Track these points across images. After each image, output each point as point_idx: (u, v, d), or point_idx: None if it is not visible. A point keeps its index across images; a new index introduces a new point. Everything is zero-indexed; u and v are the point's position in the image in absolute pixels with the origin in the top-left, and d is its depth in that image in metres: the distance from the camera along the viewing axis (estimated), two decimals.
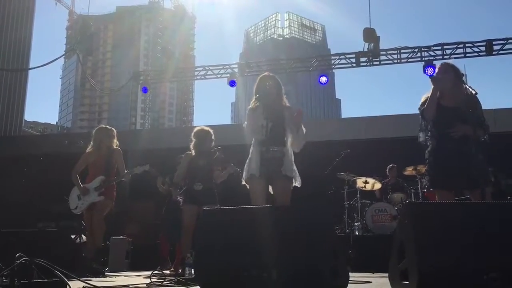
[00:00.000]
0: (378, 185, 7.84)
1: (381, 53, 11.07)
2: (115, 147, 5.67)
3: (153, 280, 3.91)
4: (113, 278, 4.86)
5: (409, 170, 7.55)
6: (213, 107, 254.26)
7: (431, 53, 10.85)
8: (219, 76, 12.12)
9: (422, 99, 3.77)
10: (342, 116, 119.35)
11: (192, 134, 5.31)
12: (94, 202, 5.46)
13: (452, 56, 10.70)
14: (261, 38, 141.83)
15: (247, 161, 3.86)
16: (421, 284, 2.28)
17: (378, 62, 11.31)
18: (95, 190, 5.46)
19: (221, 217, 2.87)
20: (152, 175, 6.11)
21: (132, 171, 5.54)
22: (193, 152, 5.24)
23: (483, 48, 10.71)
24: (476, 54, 10.77)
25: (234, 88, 11.98)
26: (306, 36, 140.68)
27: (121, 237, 7.84)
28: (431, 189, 3.87)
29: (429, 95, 3.68)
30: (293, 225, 2.65)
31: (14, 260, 2.43)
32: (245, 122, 3.87)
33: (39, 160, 8.71)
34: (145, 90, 12.44)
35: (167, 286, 3.64)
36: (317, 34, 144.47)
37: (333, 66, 12.38)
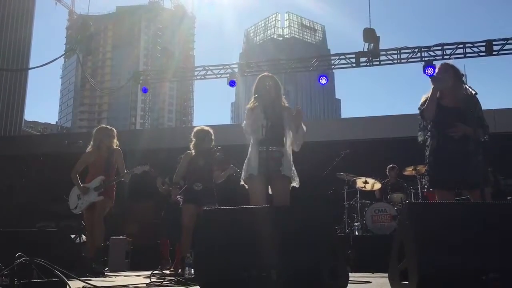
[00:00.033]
0: (378, 185, 7.83)
1: (381, 53, 11.05)
2: (115, 147, 5.67)
3: (152, 280, 3.91)
4: (113, 278, 4.86)
5: (409, 170, 7.55)
6: (213, 107, 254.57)
7: (431, 53, 10.84)
8: (219, 76, 12.11)
9: (422, 99, 3.77)
10: (342, 116, 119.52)
11: (192, 134, 5.31)
12: (94, 202, 5.46)
13: (452, 56, 10.69)
14: (261, 38, 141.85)
15: (245, 161, 3.86)
16: (421, 284, 2.28)
17: (378, 62, 11.29)
18: (95, 190, 5.46)
19: (221, 217, 2.87)
20: (151, 175, 6.11)
21: (132, 171, 5.54)
22: (193, 152, 5.24)
23: (483, 48, 10.70)
24: (476, 54, 10.76)
25: (234, 88, 11.96)
26: (306, 36, 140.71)
27: (121, 237, 7.84)
28: (431, 189, 3.87)
29: (429, 95, 3.68)
30: (293, 225, 2.65)
31: (14, 260, 2.43)
32: (244, 121, 3.87)
33: (39, 160, 8.71)
34: (145, 90, 12.44)
35: (167, 286, 3.64)
36: (317, 34, 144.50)
37: (333, 66, 12.36)
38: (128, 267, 7.43)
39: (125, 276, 5.45)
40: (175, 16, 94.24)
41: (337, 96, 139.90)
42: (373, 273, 5.62)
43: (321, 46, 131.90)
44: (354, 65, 11.40)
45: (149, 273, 4.39)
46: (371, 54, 10.98)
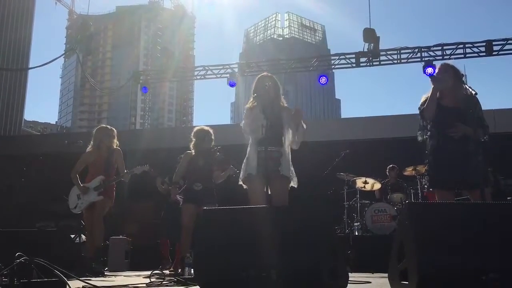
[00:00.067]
0: (377, 185, 7.83)
1: (381, 53, 11.05)
2: (115, 147, 5.67)
3: (152, 280, 3.91)
4: (112, 278, 4.86)
5: (408, 171, 7.55)
6: (212, 107, 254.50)
7: (431, 53, 10.84)
8: (219, 76, 12.11)
9: (422, 99, 3.77)
10: (342, 116, 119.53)
11: (192, 133, 5.31)
12: (93, 201, 5.46)
13: (452, 56, 10.69)
14: (261, 38, 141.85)
15: (244, 160, 3.86)
16: (420, 284, 2.28)
17: (378, 63, 11.29)
18: (95, 189, 5.46)
19: (220, 217, 2.87)
20: (151, 175, 6.11)
21: (132, 171, 5.54)
22: (192, 152, 5.24)
23: (483, 49, 10.70)
24: (476, 54, 10.77)
25: (234, 88, 11.97)
26: (306, 36, 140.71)
27: (121, 236, 7.84)
28: (431, 189, 3.87)
29: (429, 95, 3.68)
30: (293, 225, 2.65)
31: (13, 260, 2.43)
32: (243, 121, 3.88)
33: (39, 159, 8.71)
34: (145, 90, 12.44)
35: (167, 286, 3.64)
36: (317, 34, 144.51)
37: (333, 66, 12.37)
38: (128, 267, 7.43)
39: (124, 276, 5.45)
40: (175, 16, 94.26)
41: (337, 96, 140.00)
42: (373, 273, 5.62)
43: (321, 46, 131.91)
44: (354, 65, 11.40)
45: (148, 273, 4.40)
46: (371, 54, 10.98)
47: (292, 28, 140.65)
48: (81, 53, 14.03)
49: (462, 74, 3.72)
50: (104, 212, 5.49)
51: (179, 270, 5.27)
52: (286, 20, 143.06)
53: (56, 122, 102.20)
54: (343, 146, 8.03)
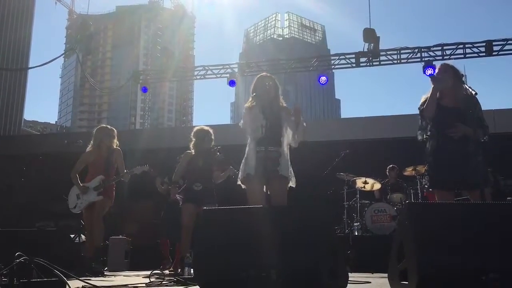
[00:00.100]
0: (377, 186, 7.83)
1: (381, 53, 11.05)
2: (115, 147, 5.67)
3: (152, 279, 3.91)
4: (112, 278, 4.86)
5: (408, 171, 7.55)
6: (212, 107, 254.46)
7: (431, 53, 10.84)
8: (218, 76, 12.11)
9: (422, 99, 3.77)
10: (342, 116, 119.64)
11: (192, 133, 5.31)
12: (93, 201, 5.45)
13: (452, 56, 10.69)
14: (261, 38, 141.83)
15: (243, 160, 3.87)
16: (420, 285, 2.28)
17: (378, 63, 11.29)
18: (94, 189, 5.46)
19: (220, 217, 2.87)
20: (151, 175, 6.11)
21: (132, 171, 5.54)
22: (192, 152, 5.24)
23: (483, 49, 10.70)
24: (476, 54, 10.76)
25: (233, 88, 11.96)
26: (306, 36, 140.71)
27: (120, 236, 7.83)
28: (430, 189, 3.87)
29: (429, 95, 3.68)
30: (293, 225, 2.65)
31: (13, 259, 2.43)
32: (241, 120, 3.88)
33: (39, 159, 8.70)
34: (144, 89, 12.44)
35: (166, 286, 3.64)
36: (317, 34, 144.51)
37: (332, 66, 12.37)
38: (128, 266, 7.43)
39: (124, 275, 5.45)
40: (175, 16, 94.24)
41: (337, 96, 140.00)
42: (372, 273, 5.62)
43: (321, 46, 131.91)
44: (354, 65, 11.40)
45: (148, 273, 4.39)
46: (371, 54, 10.98)
47: (292, 28, 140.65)
48: (81, 53, 14.04)
49: (462, 74, 3.72)
50: (104, 212, 5.49)
51: (179, 270, 5.27)
52: (286, 20, 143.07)
53: (56, 121, 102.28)
54: (343, 146, 8.03)
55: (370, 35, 10.73)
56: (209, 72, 12.28)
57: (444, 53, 10.75)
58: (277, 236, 2.58)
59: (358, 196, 7.67)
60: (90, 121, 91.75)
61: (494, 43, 10.65)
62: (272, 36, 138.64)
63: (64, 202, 5.75)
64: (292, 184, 3.83)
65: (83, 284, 3.08)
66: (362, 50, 11.10)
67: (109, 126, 5.95)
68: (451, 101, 3.67)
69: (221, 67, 12.09)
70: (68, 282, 2.48)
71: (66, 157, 6.14)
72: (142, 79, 12.78)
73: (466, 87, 3.61)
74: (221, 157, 5.26)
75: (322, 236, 2.64)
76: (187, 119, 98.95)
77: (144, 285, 3.59)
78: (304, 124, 3.78)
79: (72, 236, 6.03)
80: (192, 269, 4.27)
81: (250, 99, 3.89)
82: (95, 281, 3.54)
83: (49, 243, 4.26)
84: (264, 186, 3.80)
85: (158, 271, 4.98)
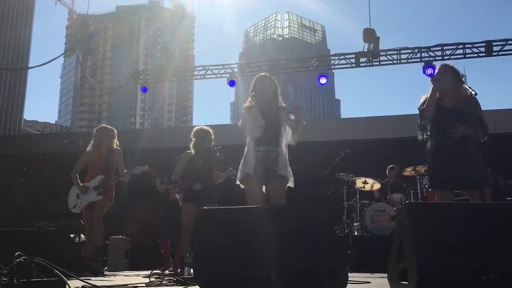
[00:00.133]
0: (377, 186, 7.83)
1: (381, 53, 11.06)
2: (115, 147, 5.67)
3: (152, 279, 3.91)
4: (112, 278, 4.86)
5: (408, 171, 7.55)
6: (212, 107, 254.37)
7: (431, 53, 10.85)
8: (218, 76, 12.12)
9: (422, 99, 3.77)
10: (342, 116, 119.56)
11: (192, 133, 5.31)
12: (92, 201, 5.45)
13: (451, 56, 10.70)
14: (261, 38, 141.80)
15: (241, 160, 3.87)
16: (420, 285, 2.28)
17: (377, 63, 11.30)
18: (94, 189, 5.46)
19: (220, 217, 2.87)
20: (150, 175, 6.11)
21: (131, 171, 5.54)
22: (192, 152, 5.24)
23: (482, 49, 10.71)
24: (475, 55, 10.77)
25: (233, 88, 11.97)
26: (306, 36, 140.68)
27: (120, 236, 7.83)
28: (430, 189, 3.87)
29: (429, 95, 3.69)
30: (293, 225, 2.65)
31: (13, 259, 2.43)
32: (240, 120, 3.89)
33: (38, 159, 8.70)
34: (144, 89, 12.44)
35: (166, 285, 3.64)
36: (317, 34, 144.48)
37: (332, 67, 12.38)
38: (127, 266, 7.43)
39: (124, 275, 5.45)
40: (175, 15, 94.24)
41: (336, 96, 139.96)
42: (372, 273, 5.62)
43: (321, 46, 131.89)
44: (354, 65, 11.42)
45: (148, 272, 4.39)
46: (371, 55, 10.99)
47: (292, 28, 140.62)
48: (81, 53, 14.04)
49: (462, 75, 3.73)
50: (104, 212, 5.49)
51: (179, 270, 5.27)
52: (286, 20, 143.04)
53: (55, 121, 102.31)
54: (342, 146, 8.03)
55: (370, 35, 10.74)
56: (209, 72, 12.29)
57: (444, 53, 10.77)
58: (277, 236, 2.58)
59: (358, 196, 7.67)
60: (90, 121, 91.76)
61: (494, 43, 10.66)
62: (272, 36, 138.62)
63: (64, 202, 5.75)
64: (290, 184, 3.84)
65: (83, 283, 3.08)
66: (362, 50, 11.11)
67: (109, 126, 5.95)
68: (451, 101, 3.67)
69: (221, 67, 12.10)
70: (68, 281, 2.47)
71: (66, 157, 6.14)
72: (142, 79, 12.79)
73: (466, 87, 3.61)
74: (221, 157, 5.26)
75: (322, 236, 2.64)
76: (187, 119, 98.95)
77: (144, 285, 3.59)
78: (304, 123, 3.78)
79: (72, 236, 6.03)
80: (192, 269, 4.27)
81: (249, 99, 3.90)
82: (95, 280, 3.54)
83: (49, 242, 4.26)
84: (263, 186, 3.81)
85: (159, 271, 4.98)
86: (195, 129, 5.38)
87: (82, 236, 6.08)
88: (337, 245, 2.76)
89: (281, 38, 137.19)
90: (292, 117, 3.81)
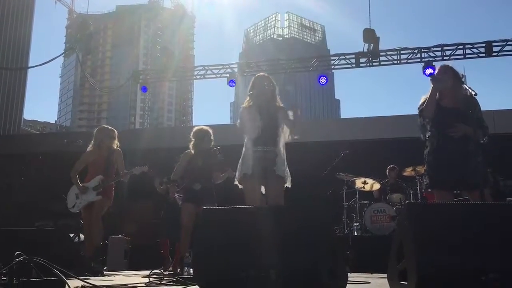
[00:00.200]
0: (377, 186, 7.83)
1: (381, 53, 11.06)
2: (115, 147, 5.67)
3: (151, 279, 3.91)
4: (111, 277, 4.86)
5: (408, 171, 7.55)
6: (212, 107, 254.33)
7: (431, 54, 10.85)
8: (218, 75, 12.12)
9: (422, 100, 3.78)
10: (342, 117, 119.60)
11: (191, 133, 5.31)
12: (91, 201, 5.45)
13: (451, 57, 10.70)
14: (260, 38, 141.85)
15: (240, 161, 3.87)
16: (419, 285, 2.28)
17: (377, 63, 11.30)
18: (94, 189, 5.46)
19: (220, 217, 2.87)
20: (149, 175, 6.10)
21: (131, 171, 5.54)
22: (192, 152, 5.23)
23: (482, 50, 10.71)
24: (475, 55, 10.78)
25: (233, 88, 11.97)
26: (305, 36, 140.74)
27: (120, 236, 7.83)
28: (429, 189, 3.87)
29: (428, 95, 3.69)
30: (292, 225, 2.65)
31: (13, 259, 2.43)
32: (238, 120, 3.89)
33: (38, 158, 8.70)
34: (144, 89, 12.45)
35: (166, 285, 3.63)
36: (316, 34, 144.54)
37: (332, 67, 12.39)
38: (127, 266, 7.43)
39: (123, 275, 5.45)
40: (175, 15, 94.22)
41: (336, 97, 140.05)
42: (372, 274, 5.62)
43: (321, 46, 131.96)
44: (353, 65, 11.42)
45: (147, 272, 4.39)
46: (371, 55, 10.99)
47: (292, 28, 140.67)
48: (81, 52, 14.05)
49: (462, 75, 3.73)
50: (103, 212, 5.49)
51: (178, 269, 5.26)
52: (286, 20, 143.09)
53: (55, 121, 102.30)
54: (342, 146, 8.03)
55: (370, 35, 10.74)
56: (209, 72, 12.29)
57: (444, 54, 10.77)
58: (277, 236, 2.58)
59: (357, 196, 7.66)
60: (89, 120, 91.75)
61: (493, 44, 10.67)
62: (272, 36, 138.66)
63: (64, 201, 5.75)
64: (288, 184, 3.85)
65: (83, 283, 3.07)
66: (362, 51, 11.11)
67: (109, 127, 5.96)
68: (451, 101, 3.67)
69: (221, 67, 12.10)
70: (68, 281, 2.47)
71: (65, 157, 6.14)
72: (142, 79, 12.78)
73: (466, 88, 3.62)
74: (220, 158, 5.26)
75: (322, 236, 2.64)
76: (186, 119, 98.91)
77: (143, 284, 3.58)
78: (300, 113, 3.78)
79: (71, 235, 6.03)
80: (191, 269, 4.26)
81: (247, 99, 3.90)
82: (94, 280, 3.54)
83: (49, 242, 4.25)
84: (262, 186, 3.81)
85: (158, 271, 4.97)
86: (194, 129, 5.38)
87: (82, 235, 6.08)
88: (337, 245, 2.76)
89: (281, 38, 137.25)
90: (292, 117, 3.82)
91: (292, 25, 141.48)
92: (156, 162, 6.71)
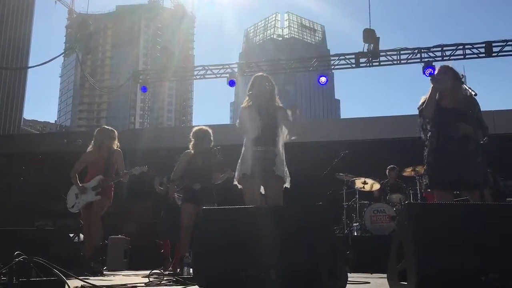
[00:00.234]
0: (376, 186, 7.83)
1: (381, 54, 11.07)
2: (115, 148, 5.67)
3: (151, 279, 3.91)
4: (111, 277, 4.86)
5: (408, 171, 7.55)
6: (212, 107, 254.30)
7: (431, 54, 10.86)
8: (218, 75, 12.12)
9: (422, 100, 3.77)
10: (341, 117, 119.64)
11: (191, 133, 5.31)
12: (91, 201, 5.46)
13: (451, 57, 10.71)
14: (260, 38, 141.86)
15: (239, 161, 3.87)
16: (419, 285, 2.28)
17: (377, 63, 11.31)
18: (93, 189, 5.46)
19: (220, 217, 2.87)
20: (149, 175, 6.10)
21: (130, 171, 5.55)
22: (192, 152, 5.23)
23: (482, 50, 10.72)
24: (475, 55, 10.78)
25: (233, 88, 11.97)
26: (305, 37, 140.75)
27: (120, 236, 7.83)
28: (429, 190, 3.87)
29: (428, 95, 3.69)
30: (292, 225, 2.65)
31: (12, 259, 2.42)
32: (237, 120, 3.89)
33: (38, 158, 8.70)
34: (144, 89, 12.45)
35: (165, 285, 3.63)
36: (316, 35, 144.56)
37: (332, 67, 12.39)
38: (127, 266, 7.44)
39: (123, 275, 5.45)
40: (175, 15, 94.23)
41: (336, 97, 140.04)
42: (372, 274, 5.62)
43: (321, 47, 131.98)
44: (353, 65, 11.42)
45: (147, 272, 4.39)
46: (371, 55, 11.00)
47: (292, 28, 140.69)
48: (81, 52, 14.06)
49: (462, 75, 3.73)
50: (102, 212, 5.50)
51: (178, 269, 5.26)
52: (286, 20, 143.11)
53: (55, 121, 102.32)
54: (342, 147, 8.03)
55: (370, 35, 10.74)
56: (208, 72, 12.29)
57: (444, 54, 10.78)
58: (277, 236, 2.58)
59: (357, 196, 7.66)
60: (89, 120, 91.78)
61: (493, 44, 10.68)
62: (272, 36, 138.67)
63: (63, 201, 5.76)
64: (287, 184, 3.85)
65: (82, 283, 3.07)
66: (362, 51, 11.11)
67: (110, 128, 5.97)
68: (451, 102, 3.67)
69: (221, 67, 12.10)
70: (67, 281, 2.47)
71: (65, 156, 6.14)
72: (142, 79, 12.79)
73: (465, 88, 3.62)
74: (220, 158, 5.26)
75: (322, 236, 2.64)
76: (186, 119, 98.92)
77: (143, 284, 3.58)
78: (300, 113, 3.79)
79: (71, 235, 6.03)
80: (191, 269, 4.26)
81: (247, 99, 3.90)
82: (94, 280, 3.53)
83: (48, 242, 4.25)
84: (261, 186, 3.81)
85: (158, 271, 4.97)
86: (194, 129, 5.38)
87: (81, 235, 6.08)
88: (337, 246, 2.76)
89: (281, 38, 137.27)
90: (291, 117, 3.82)
91: (292, 25, 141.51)
92: (156, 162, 6.71)
